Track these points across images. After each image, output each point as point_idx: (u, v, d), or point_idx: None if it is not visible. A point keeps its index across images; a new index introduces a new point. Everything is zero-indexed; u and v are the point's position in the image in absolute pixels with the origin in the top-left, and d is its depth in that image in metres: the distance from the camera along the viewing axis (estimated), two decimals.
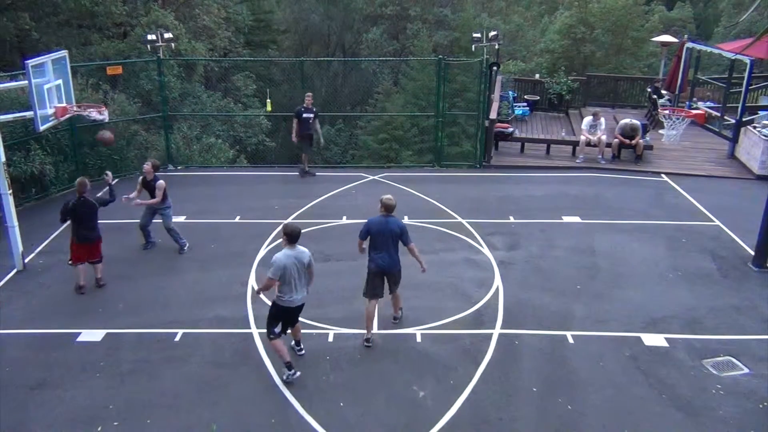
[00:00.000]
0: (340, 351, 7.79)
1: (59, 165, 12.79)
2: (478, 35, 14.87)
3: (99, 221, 9.20)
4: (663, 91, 18.64)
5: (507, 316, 8.53)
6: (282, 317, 7.16)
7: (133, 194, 10.34)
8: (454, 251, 10.48)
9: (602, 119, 15.23)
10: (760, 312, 8.70)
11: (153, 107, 16.54)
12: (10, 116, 9.87)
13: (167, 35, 14.51)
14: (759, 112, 16.51)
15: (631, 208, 12.34)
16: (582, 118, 16.98)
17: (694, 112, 16.68)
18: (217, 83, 24.88)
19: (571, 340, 8.01)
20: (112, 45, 19.73)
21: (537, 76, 21.82)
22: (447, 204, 12.37)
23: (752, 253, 10.15)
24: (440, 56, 15.21)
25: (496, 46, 15.49)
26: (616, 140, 15.00)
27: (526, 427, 6.59)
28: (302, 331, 8.13)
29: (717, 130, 16.93)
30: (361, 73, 32.59)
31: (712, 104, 18.40)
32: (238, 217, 11.75)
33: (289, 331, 7.46)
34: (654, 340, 8.02)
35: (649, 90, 19.28)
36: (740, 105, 15.17)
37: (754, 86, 17.59)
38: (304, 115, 13.37)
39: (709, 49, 18.33)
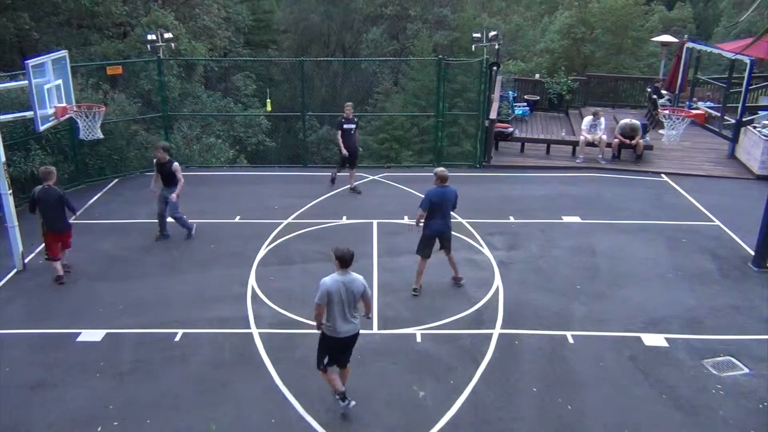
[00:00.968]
0: None
1: (59, 165, 12.75)
2: (478, 35, 14.87)
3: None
4: (663, 91, 18.65)
5: (507, 316, 8.53)
6: (329, 348, 6.52)
7: (152, 185, 10.51)
8: (454, 251, 10.42)
9: (602, 119, 15.22)
10: (760, 312, 8.70)
11: (153, 107, 16.55)
12: (10, 116, 9.86)
13: (167, 35, 14.50)
14: (759, 112, 16.50)
15: (631, 208, 12.34)
16: (582, 118, 16.98)
17: (694, 112, 16.70)
18: (217, 83, 24.90)
19: (571, 340, 8.01)
20: (112, 45, 19.74)
21: (537, 76, 21.83)
22: None
23: (752, 253, 10.15)
24: (440, 56, 15.22)
25: (496, 46, 15.48)
26: (616, 140, 15.00)
27: (526, 427, 6.59)
28: (302, 330, 8.14)
29: (717, 130, 16.93)
30: (361, 73, 32.59)
31: (712, 104, 18.41)
32: (238, 217, 11.74)
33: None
34: (654, 340, 8.01)
35: (649, 90, 19.30)
36: (740, 105, 15.16)
37: (754, 86, 17.59)
38: (346, 126, 12.62)
39: (709, 49, 18.33)
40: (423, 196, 8.82)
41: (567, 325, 8.35)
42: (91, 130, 10.79)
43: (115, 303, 8.87)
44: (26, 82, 9.07)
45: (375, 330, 8.21)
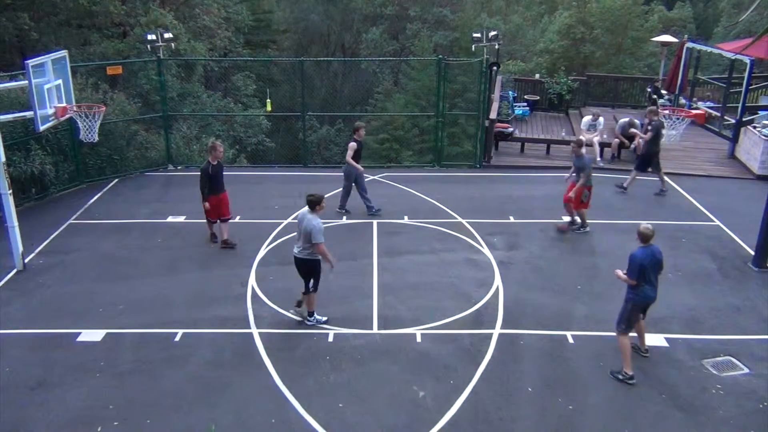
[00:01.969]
0: (340, 351, 7.79)
1: (59, 165, 12.79)
2: (478, 35, 14.86)
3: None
4: (663, 91, 18.65)
5: (507, 316, 8.54)
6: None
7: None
8: (454, 251, 10.48)
9: (601, 119, 15.23)
10: (760, 312, 8.70)
11: (153, 107, 16.54)
12: (10, 116, 9.87)
13: (167, 35, 14.51)
14: (759, 112, 16.51)
15: (631, 208, 12.34)
16: (582, 118, 16.98)
17: (694, 112, 16.69)
18: (217, 83, 24.88)
19: (571, 340, 8.01)
20: (111, 45, 19.72)
21: (537, 76, 21.82)
22: (447, 204, 12.37)
23: (752, 253, 10.15)
24: (440, 56, 15.22)
25: (496, 46, 15.48)
26: (616, 140, 14.99)
27: (526, 427, 6.59)
28: (301, 330, 8.17)
29: (717, 130, 16.94)
30: (361, 73, 32.56)
31: (712, 104, 18.41)
32: (238, 217, 11.74)
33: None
34: (654, 340, 8.01)
35: (649, 90, 19.29)
36: (740, 105, 15.18)
37: (754, 86, 17.61)
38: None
39: (709, 49, 18.34)
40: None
41: (567, 325, 8.35)
42: (90, 130, 10.79)
43: (115, 303, 8.87)
44: (26, 82, 9.08)
45: (375, 330, 8.21)
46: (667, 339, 8.06)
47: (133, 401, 6.90)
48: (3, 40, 18.39)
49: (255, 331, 8.19)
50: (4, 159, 9.31)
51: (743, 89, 15.03)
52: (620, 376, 7.28)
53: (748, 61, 14.85)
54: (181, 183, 13.87)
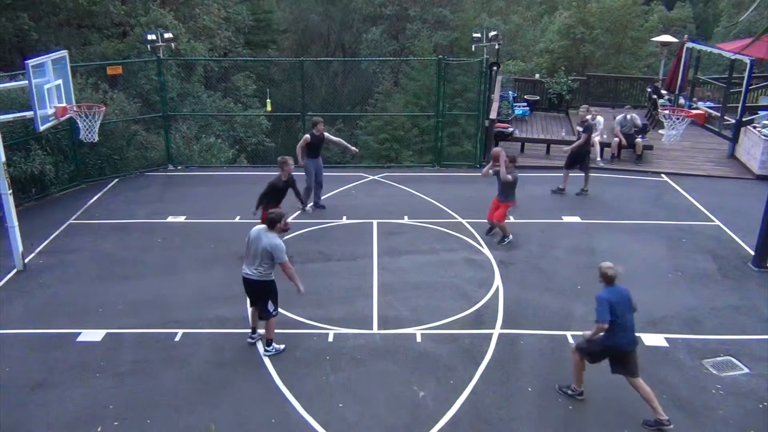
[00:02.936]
0: (340, 351, 7.79)
1: (59, 165, 12.79)
2: (478, 35, 14.87)
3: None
4: (663, 91, 18.65)
5: (507, 316, 8.53)
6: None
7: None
8: (454, 251, 10.47)
9: (599, 118, 15.23)
10: (760, 312, 8.70)
11: (152, 107, 16.53)
12: (10, 116, 9.86)
13: (167, 35, 14.51)
14: (759, 112, 16.51)
15: (631, 208, 12.34)
16: (595, 116, 16.93)
17: (694, 112, 16.69)
18: (217, 83, 24.85)
19: (571, 340, 7.99)
20: (111, 45, 19.73)
21: (537, 76, 21.82)
22: (447, 204, 12.37)
23: (752, 253, 10.15)
24: (440, 56, 15.22)
25: (496, 46, 15.48)
26: (616, 139, 15.00)
27: (526, 427, 6.59)
28: (301, 330, 8.15)
29: (717, 130, 16.93)
30: (361, 73, 32.55)
31: (712, 104, 18.41)
32: (238, 217, 11.74)
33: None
34: (654, 340, 8.01)
35: (649, 90, 19.29)
36: (740, 105, 15.17)
37: (754, 86, 17.60)
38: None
39: (709, 49, 18.33)
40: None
41: (567, 325, 8.35)
42: (90, 130, 10.79)
43: (115, 303, 8.87)
44: (26, 82, 9.08)
45: (375, 330, 8.21)
46: (667, 339, 8.05)
47: (133, 401, 6.90)
48: (3, 40, 18.40)
49: None
50: (4, 159, 9.31)
51: (743, 89, 15.03)
52: (569, 392, 6.97)
53: (748, 61, 14.85)
54: (181, 183, 13.88)
